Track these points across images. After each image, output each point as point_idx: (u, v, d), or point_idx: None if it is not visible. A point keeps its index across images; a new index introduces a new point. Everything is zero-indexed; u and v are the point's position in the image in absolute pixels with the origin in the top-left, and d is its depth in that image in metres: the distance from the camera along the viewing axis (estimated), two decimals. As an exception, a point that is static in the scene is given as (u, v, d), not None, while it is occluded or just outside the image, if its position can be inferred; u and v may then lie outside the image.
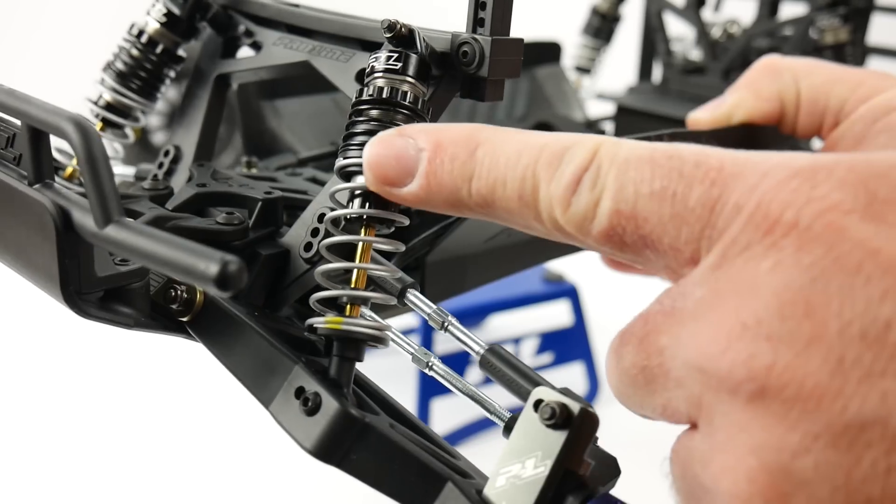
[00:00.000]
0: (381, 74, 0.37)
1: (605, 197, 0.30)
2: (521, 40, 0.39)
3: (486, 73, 0.38)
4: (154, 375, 1.07)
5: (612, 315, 1.25)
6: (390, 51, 0.38)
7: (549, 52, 0.84)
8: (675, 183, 0.29)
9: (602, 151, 0.31)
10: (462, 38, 0.39)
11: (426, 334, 1.06)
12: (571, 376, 1.18)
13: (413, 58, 0.37)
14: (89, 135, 0.31)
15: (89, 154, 0.31)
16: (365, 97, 0.37)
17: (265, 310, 0.42)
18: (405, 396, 1.00)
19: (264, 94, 0.62)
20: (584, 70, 0.90)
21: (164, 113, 1.18)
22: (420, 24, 0.40)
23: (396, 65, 0.37)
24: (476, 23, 0.39)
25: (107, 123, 0.51)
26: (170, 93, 0.52)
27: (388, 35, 0.38)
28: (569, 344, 1.18)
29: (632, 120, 0.80)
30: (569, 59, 0.90)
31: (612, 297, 1.14)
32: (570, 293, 1.16)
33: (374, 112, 0.37)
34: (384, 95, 0.37)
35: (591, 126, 0.83)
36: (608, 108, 0.86)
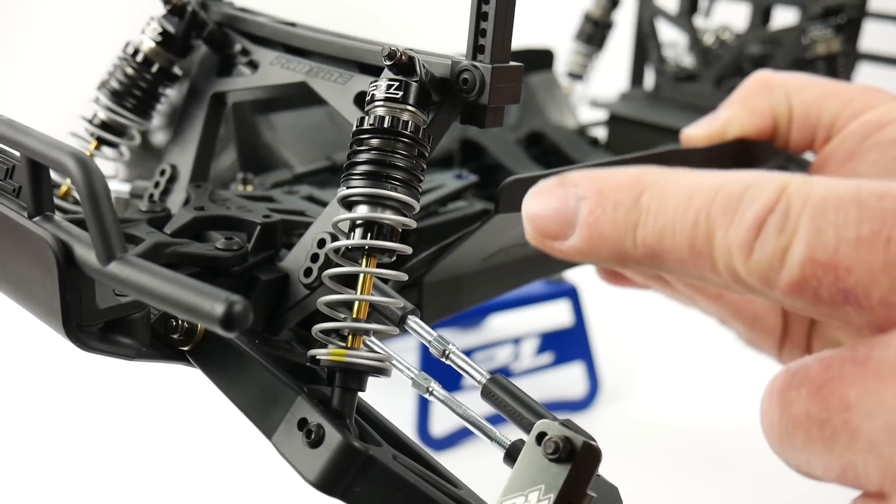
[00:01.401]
0: (381, 103, 0.37)
1: (796, 242, 0.26)
2: (521, 67, 0.39)
3: (486, 101, 0.38)
4: (157, 392, 1.07)
5: (612, 315, 1.26)
6: (390, 79, 0.38)
7: (541, 59, 0.84)
8: (889, 227, 0.25)
9: (791, 190, 0.27)
10: (462, 66, 0.39)
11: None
12: (571, 376, 1.18)
13: (413, 86, 0.37)
14: (91, 171, 0.31)
15: (91, 190, 0.31)
16: (366, 126, 0.37)
17: (264, 334, 0.42)
18: (406, 395, 1.01)
19: (259, 109, 0.62)
20: (576, 76, 0.90)
21: (165, 113, 1.16)
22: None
23: (397, 94, 0.37)
24: (476, 49, 0.38)
25: (102, 142, 0.50)
26: (171, 93, 0.52)
27: (389, 63, 0.38)
28: (569, 344, 1.19)
29: (624, 128, 0.80)
30: (561, 64, 0.90)
31: (612, 297, 1.15)
32: (570, 293, 1.17)
33: (374, 141, 0.37)
34: (385, 125, 0.37)
35: (583, 132, 0.83)
36: (601, 114, 0.86)
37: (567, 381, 1.18)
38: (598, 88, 0.92)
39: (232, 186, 0.57)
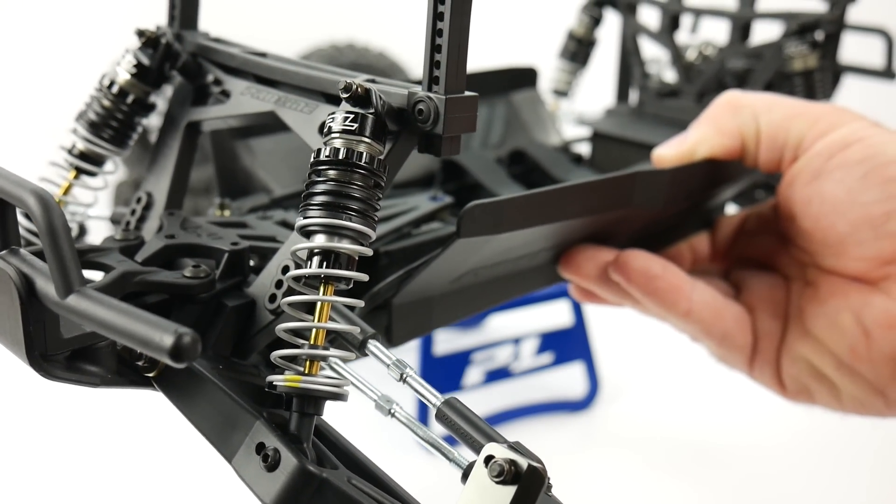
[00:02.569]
0: (337, 135, 0.38)
1: None
2: (476, 97, 0.40)
3: (441, 131, 0.39)
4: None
5: (612, 315, 1.26)
6: (347, 111, 0.39)
7: (525, 77, 0.85)
8: None
9: None
10: (417, 97, 0.40)
11: (426, 337, 1.08)
12: (571, 376, 1.19)
13: (369, 119, 0.38)
14: (50, 208, 0.32)
15: (50, 227, 0.32)
16: (322, 157, 0.38)
17: (232, 359, 0.43)
18: (406, 396, 1.02)
19: (238, 134, 0.63)
20: (561, 93, 0.91)
21: (163, 113, 1.17)
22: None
23: (353, 126, 0.38)
24: (431, 81, 0.40)
25: (80, 171, 0.52)
26: (168, 91, 0.53)
27: (345, 96, 0.39)
28: (569, 344, 1.19)
29: (606, 144, 0.81)
30: (546, 82, 0.91)
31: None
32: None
33: (331, 172, 0.38)
34: (341, 156, 0.38)
35: (567, 149, 0.84)
36: (585, 130, 0.87)
37: (567, 381, 1.19)
38: (586, 104, 0.93)
39: (210, 211, 0.58)
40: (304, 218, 0.38)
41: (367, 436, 0.51)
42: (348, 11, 1.89)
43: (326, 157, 0.38)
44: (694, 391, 1.21)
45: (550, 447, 1.10)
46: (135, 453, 1.00)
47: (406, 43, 1.60)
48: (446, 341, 1.17)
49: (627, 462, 1.05)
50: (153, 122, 0.53)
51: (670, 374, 1.25)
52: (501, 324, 1.26)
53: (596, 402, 1.18)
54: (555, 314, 1.19)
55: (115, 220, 0.55)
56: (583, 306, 1.18)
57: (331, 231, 0.37)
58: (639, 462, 1.05)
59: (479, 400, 1.11)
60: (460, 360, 1.11)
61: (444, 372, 1.10)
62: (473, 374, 1.13)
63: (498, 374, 1.16)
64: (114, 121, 0.50)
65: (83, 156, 0.51)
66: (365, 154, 0.38)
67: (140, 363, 0.39)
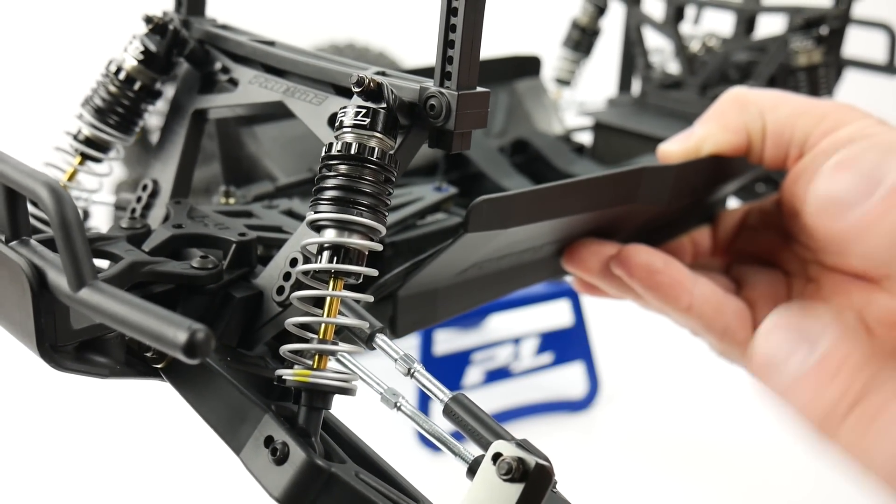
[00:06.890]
0: (349, 130, 0.38)
1: None
2: (488, 93, 0.40)
3: (452, 127, 0.39)
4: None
5: (612, 315, 1.27)
6: (359, 106, 0.39)
7: (528, 65, 0.85)
8: None
9: None
10: (430, 92, 0.40)
11: (426, 336, 1.08)
12: (571, 376, 1.19)
13: (381, 114, 0.38)
14: (63, 201, 0.32)
15: (63, 219, 0.32)
16: (334, 152, 0.38)
17: (238, 349, 0.43)
18: (408, 391, 1.02)
19: (243, 121, 0.63)
20: (564, 82, 0.91)
21: (164, 113, 1.16)
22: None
23: (364, 121, 0.38)
24: (443, 76, 0.40)
25: (86, 157, 0.51)
26: (168, 91, 0.53)
27: (357, 90, 0.39)
28: (569, 344, 1.20)
29: (608, 135, 0.81)
30: (549, 70, 0.90)
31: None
32: (570, 293, 1.17)
33: (342, 167, 0.38)
34: (352, 151, 0.38)
35: (569, 139, 0.84)
36: (588, 120, 0.87)
37: (567, 381, 1.19)
38: (588, 94, 0.93)
39: (214, 199, 0.58)
40: (315, 212, 0.38)
41: (371, 430, 0.52)
42: (348, 11, 1.88)
43: (338, 151, 0.38)
44: (694, 391, 1.21)
45: (550, 447, 1.11)
46: (143, 443, 1.00)
47: (406, 43, 1.59)
48: (446, 341, 1.17)
49: (627, 462, 1.05)
50: (152, 122, 0.53)
51: (670, 374, 1.26)
52: (501, 324, 1.26)
53: (596, 402, 1.18)
54: (555, 314, 1.19)
55: (119, 207, 0.54)
56: (583, 306, 1.18)
57: (341, 226, 0.37)
58: (638, 462, 1.06)
59: (479, 400, 1.11)
60: (460, 360, 1.12)
61: (445, 372, 1.11)
62: (473, 374, 1.14)
63: (498, 374, 1.16)
64: (120, 107, 0.50)
65: (89, 141, 0.51)
66: (376, 149, 0.38)
67: (148, 354, 0.39)
